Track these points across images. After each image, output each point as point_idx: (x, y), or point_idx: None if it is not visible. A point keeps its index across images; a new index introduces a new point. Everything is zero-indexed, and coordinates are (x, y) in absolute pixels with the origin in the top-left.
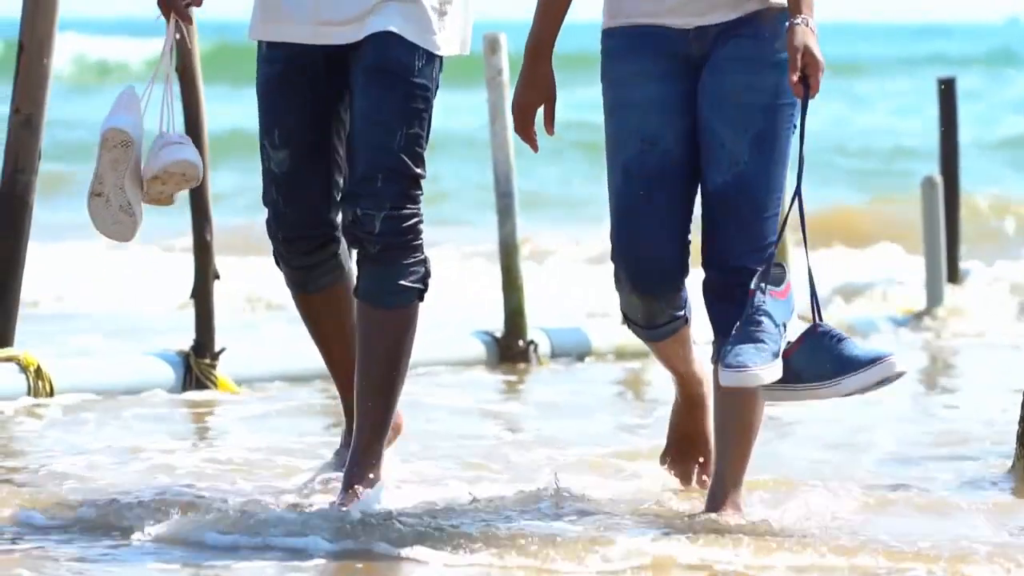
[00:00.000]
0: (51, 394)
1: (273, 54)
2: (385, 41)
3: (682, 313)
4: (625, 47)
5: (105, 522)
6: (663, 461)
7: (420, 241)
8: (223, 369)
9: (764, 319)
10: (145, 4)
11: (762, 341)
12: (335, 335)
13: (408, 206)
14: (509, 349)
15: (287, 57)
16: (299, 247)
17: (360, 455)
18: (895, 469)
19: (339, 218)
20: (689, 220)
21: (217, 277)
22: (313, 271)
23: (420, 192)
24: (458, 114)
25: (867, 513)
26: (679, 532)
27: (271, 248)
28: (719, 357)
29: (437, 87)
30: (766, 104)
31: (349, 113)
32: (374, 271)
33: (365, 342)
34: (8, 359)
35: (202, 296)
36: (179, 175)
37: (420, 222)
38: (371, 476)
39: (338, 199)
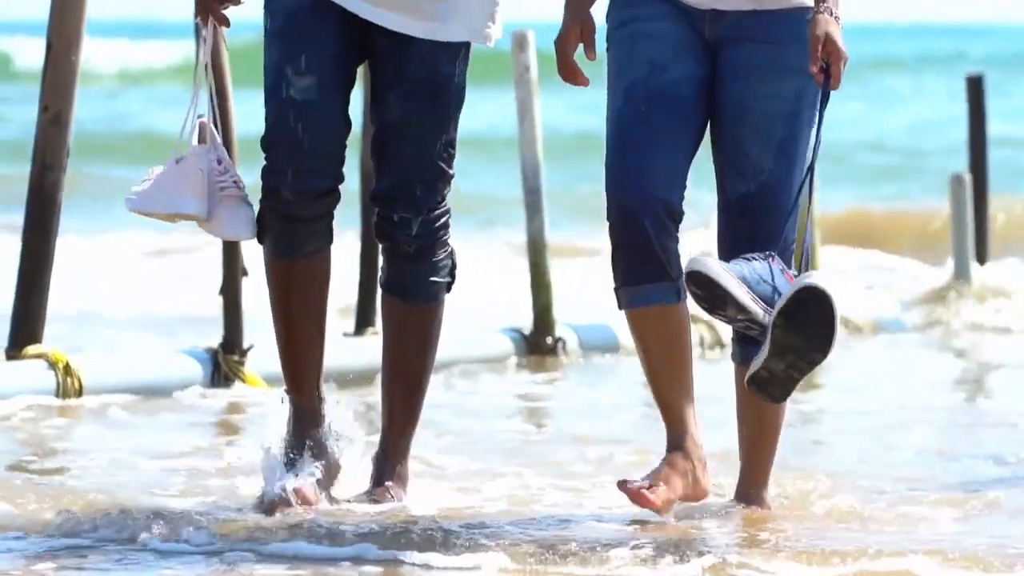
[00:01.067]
0: (80, 391)
1: None
2: (429, 49)
3: (674, 283)
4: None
5: (132, 527)
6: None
7: (448, 235)
8: (251, 366)
9: (758, 266)
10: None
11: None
12: (310, 311)
13: (441, 206)
14: (537, 346)
15: None
16: (308, 186)
17: (393, 448)
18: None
19: (344, 158)
20: (688, 160)
21: (245, 274)
22: (310, 226)
23: (450, 188)
24: (483, 112)
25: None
26: (739, 547)
27: (263, 206)
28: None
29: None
30: (789, 112)
31: (372, 98)
32: (407, 268)
33: (398, 335)
34: (37, 356)
35: (230, 293)
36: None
37: (449, 216)
38: (402, 471)
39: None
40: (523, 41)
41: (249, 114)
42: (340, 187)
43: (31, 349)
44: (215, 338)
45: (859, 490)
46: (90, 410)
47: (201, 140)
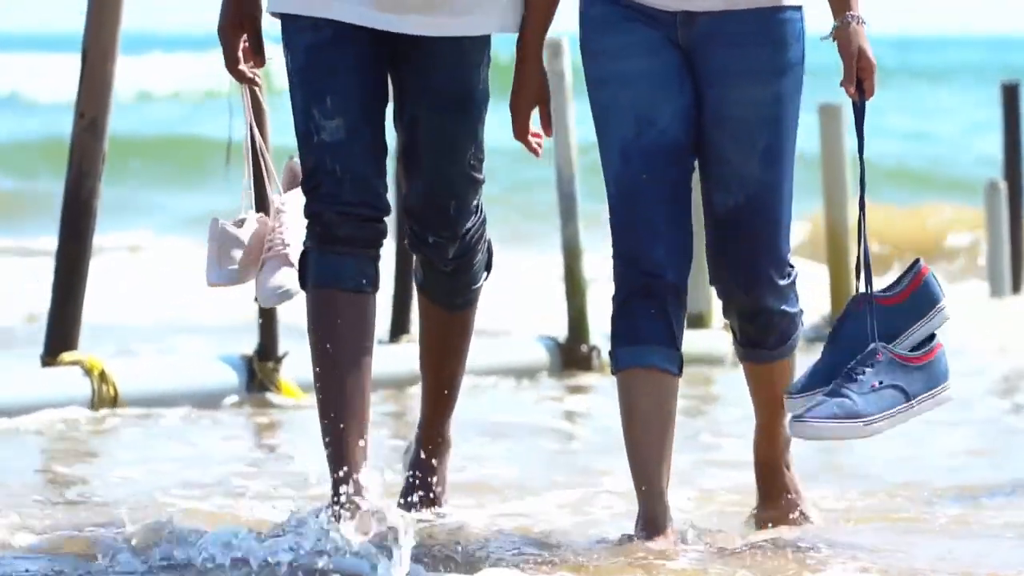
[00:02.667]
0: (115, 398)
1: (316, 20)
2: (457, 57)
3: (677, 352)
4: (611, 17)
5: (169, 544)
6: None
7: (484, 237)
8: (286, 374)
9: (870, 381)
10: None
11: (846, 397)
12: (349, 357)
13: (476, 219)
14: (572, 354)
15: (334, 23)
16: (355, 212)
17: (433, 447)
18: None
19: (387, 197)
20: (689, 203)
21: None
22: (353, 254)
23: (481, 193)
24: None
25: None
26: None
27: (312, 235)
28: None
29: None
30: (771, 116)
31: (397, 110)
32: (446, 282)
33: (440, 341)
34: (73, 363)
35: None
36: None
37: (484, 222)
38: (442, 467)
39: (385, 176)
40: (557, 49)
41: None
42: (385, 220)
43: (67, 356)
44: (250, 345)
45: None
46: (125, 420)
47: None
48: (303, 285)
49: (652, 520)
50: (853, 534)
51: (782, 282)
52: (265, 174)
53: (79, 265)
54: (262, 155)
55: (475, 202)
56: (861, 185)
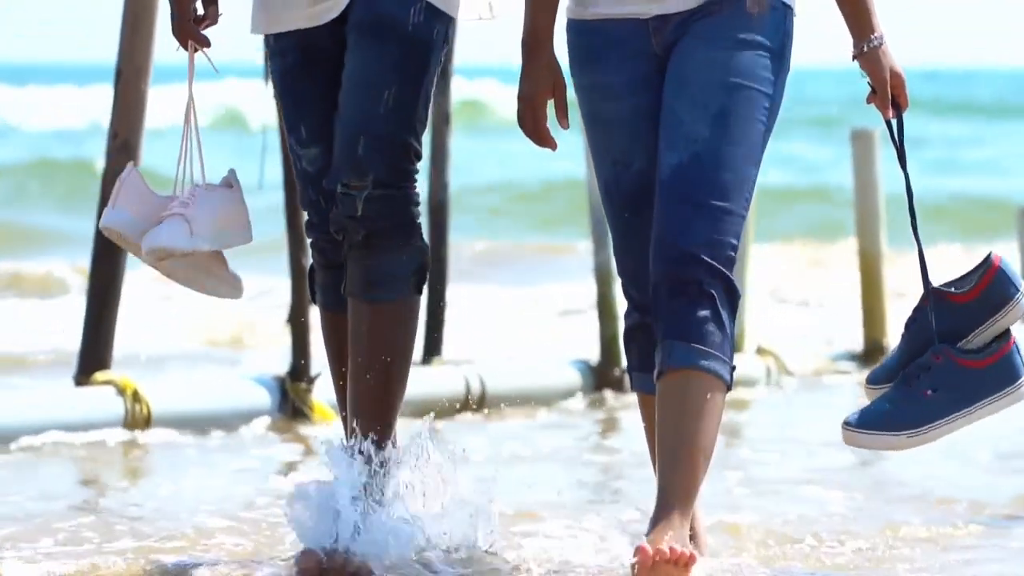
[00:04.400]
0: (148, 418)
1: (282, 45)
2: None
3: None
4: (591, 49)
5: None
6: None
7: (415, 226)
8: (319, 394)
9: (923, 388)
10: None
11: (894, 405)
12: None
13: (397, 183)
14: (605, 377)
15: (298, 46)
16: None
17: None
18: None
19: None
20: None
21: (313, 301)
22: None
23: (413, 168)
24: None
25: None
26: None
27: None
28: None
29: (444, 51)
30: (727, 82)
31: None
32: (359, 260)
33: (352, 343)
34: (106, 382)
35: (298, 320)
36: (168, 256)
37: (414, 203)
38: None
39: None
40: None
41: None
42: None
43: (100, 375)
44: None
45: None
46: (156, 444)
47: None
48: (313, 299)
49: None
50: None
51: (717, 265)
52: (185, 153)
53: (112, 285)
54: (195, 133)
55: (395, 164)
56: (908, 192)
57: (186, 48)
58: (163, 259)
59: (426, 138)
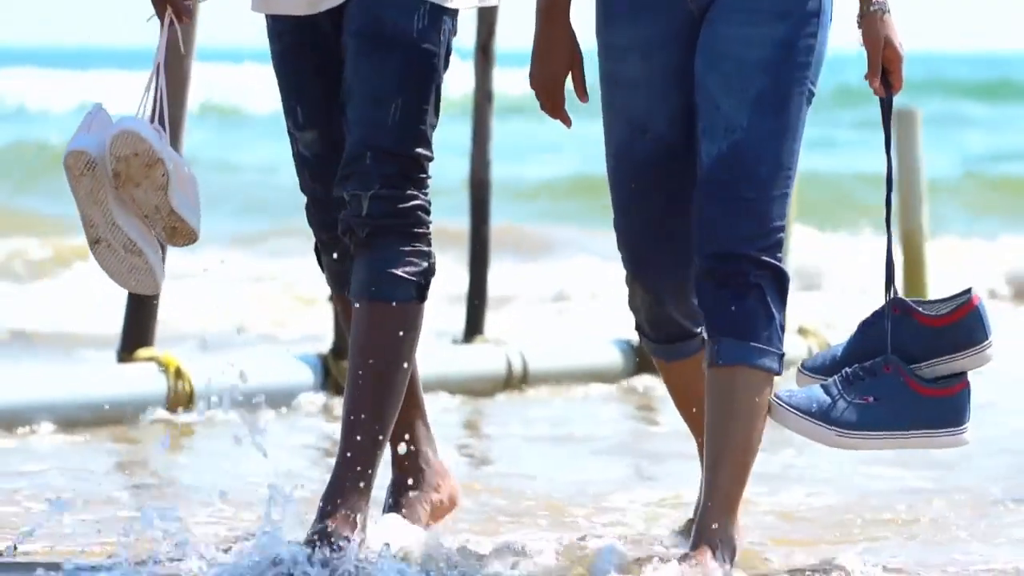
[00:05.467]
0: (191, 395)
1: (279, 26)
2: (376, 3)
3: (699, 331)
4: (616, 6)
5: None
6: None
7: (422, 230)
8: None
9: (864, 392)
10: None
11: (831, 398)
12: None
13: (405, 188)
14: (647, 357)
15: (295, 27)
16: (339, 229)
17: (343, 481)
18: None
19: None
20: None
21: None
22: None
23: (424, 175)
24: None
25: None
26: None
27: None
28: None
29: (449, 49)
30: (768, 60)
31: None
32: (362, 258)
33: (352, 344)
34: (149, 359)
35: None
36: (132, 156)
37: (422, 208)
38: (349, 521)
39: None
40: None
41: None
42: None
43: (142, 352)
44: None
45: None
46: (200, 421)
47: None
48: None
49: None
50: None
51: (764, 257)
52: (162, 111)
53: None
54: (160, 102)
55: (403, 172)
56: (888, 183)
57: (161, 18)
58: (131, 174)
59: (467, 116)
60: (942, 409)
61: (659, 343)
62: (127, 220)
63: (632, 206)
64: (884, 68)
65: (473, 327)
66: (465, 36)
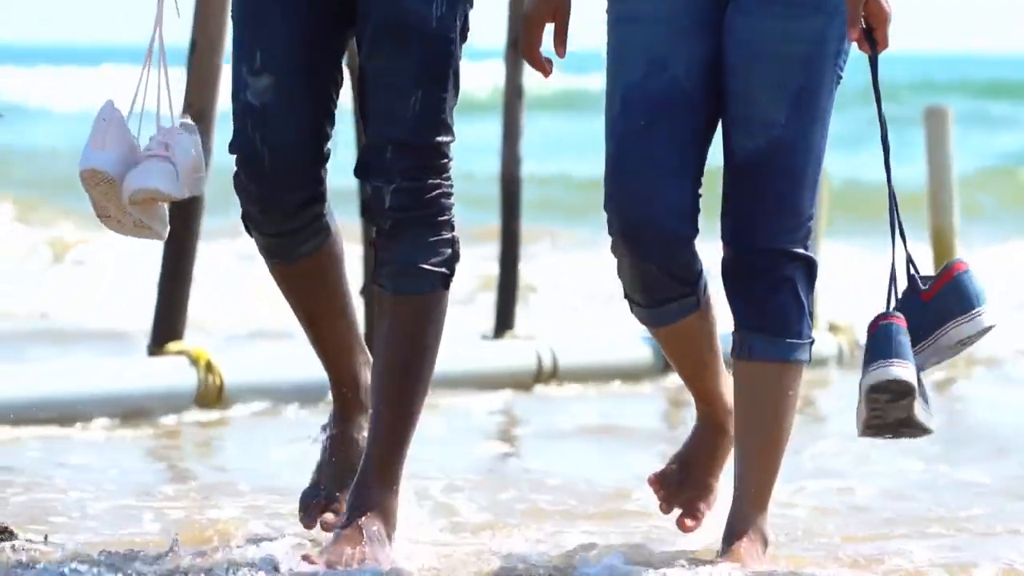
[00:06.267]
0: (221, 389)
1: None
2: None
3: (693, 293)
4: None
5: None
6: (655, 482)
7: (446, 217)
8: None
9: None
10: None
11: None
12: (322, 310)
13: (427, 178)
14: None
15: None
16: (277, 206)
17: (371, 475)
18: None
19: (326, 172)
20: (701, 165)
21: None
22: (292, 237)
23: (446, 160)
24: None
25: None
26: None
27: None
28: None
29: (466, 32)
30: (807, 55)
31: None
32: (387, 250)
33: (379, 337)
34: (179, 353)
35: (371, 292)
36: (149, 200)
37: (445, 195)
38: (381, 514)
39: (328, 148)
40: None
41: None
42: (322, 190)
43: (173, 346)
44: None
45: None
46: (230, 411)
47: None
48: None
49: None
50: None
51: (797, 248)
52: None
53: (186, 254)
54: (162, 70)
55: (424, 161)
56: (884, 146)
57: None
58: (144, 207)
59: (498, 112)
60: (947, 302)
61: (650, 308)
62: (140, 208)
63: (634, 148)
64: (868, 25)
65: (503, 323)
66: (496, 32)
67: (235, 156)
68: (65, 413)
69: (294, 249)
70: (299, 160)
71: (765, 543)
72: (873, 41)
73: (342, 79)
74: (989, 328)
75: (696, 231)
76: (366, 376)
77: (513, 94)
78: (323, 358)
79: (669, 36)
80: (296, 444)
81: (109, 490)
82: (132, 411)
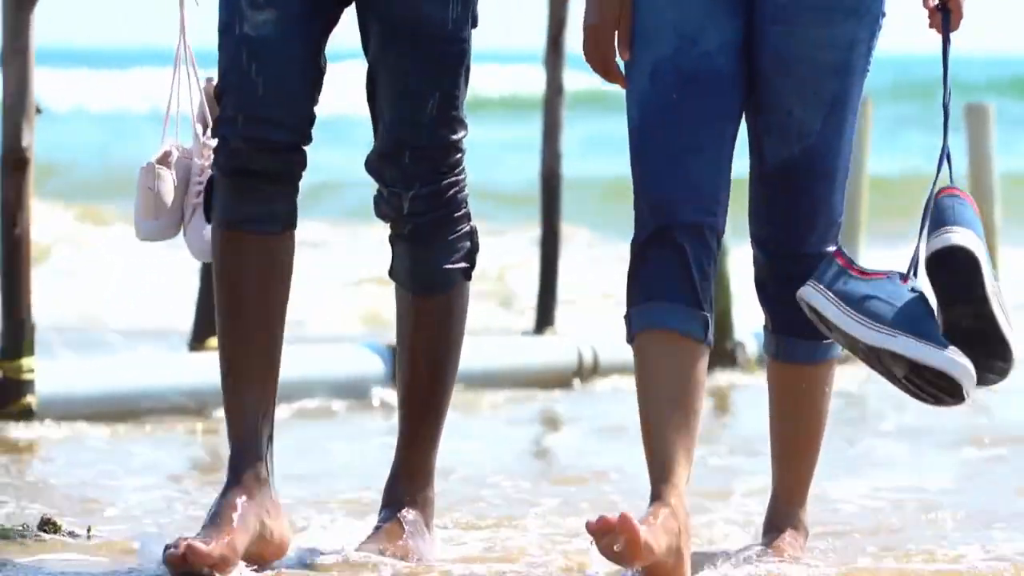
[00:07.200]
0: None
1: None
2: None
3: (703, 307)
4: None
5: None
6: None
7: (463, 211)
8: None
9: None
10: None
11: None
12: (256, 308)
13: (444, 178)
14: (717, 351)
15: None
16: (264, 134)
17: (406, 469)
18: None
19: (314, 115)
20: (731, 148)
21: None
22: (262, 188)
23: (460, 155)
24: None
25: None
26: None
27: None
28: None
29: (476, 22)
30: (842, 62)
31: (364, 49)
32: (408, 252)
33: (403, 333)
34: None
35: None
36: None
37: (461, 190)
38: (419, 505)
39: (318, 94)
40: None
41: None
42: (306, 149)
43: (213, 341)
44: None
45: None
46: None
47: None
48: (207, 216)
49: (657, 494)
50: None
51: (829, 248)
52: (191, 99)
53: None
54: (193, 76)
55: (441, 163)
56: (944, 128)
57: None
58: None
59: (537, 110)
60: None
61: (655, 301)
62: None
63: (668, 122)
64: (946, 4)
65: (544, 319)
66: (536, 32)
67: (223, 95)
68: (118, 407)
69: (249, 212)
70: (293, 91)
71: (806, 536)
72: (947, 19)
73: (335, 23)
74: (956, 248)
75: (723, 224)
76: (269, 452)
77: (553, 92)
78: (236, 406)
79: (701, 12)
80: (352, 443)
81: (154, 483)
82: (179, 406)
